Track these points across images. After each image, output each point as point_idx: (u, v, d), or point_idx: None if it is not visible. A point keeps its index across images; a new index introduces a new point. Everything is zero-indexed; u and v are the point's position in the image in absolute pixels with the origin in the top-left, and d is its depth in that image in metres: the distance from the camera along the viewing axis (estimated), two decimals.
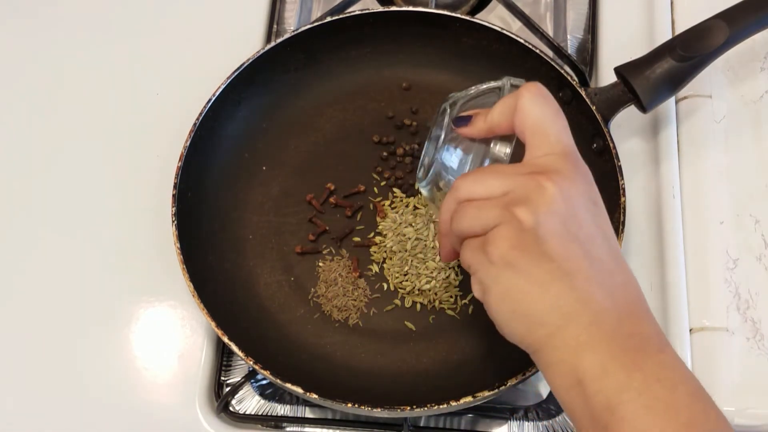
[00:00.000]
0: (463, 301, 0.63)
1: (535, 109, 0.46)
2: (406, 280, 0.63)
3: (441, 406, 0.54)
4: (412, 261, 0.63)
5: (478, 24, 0.67)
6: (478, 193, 0.45)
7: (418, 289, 0.63)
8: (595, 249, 0.44)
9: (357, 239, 0.65)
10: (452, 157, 0.52)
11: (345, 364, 0.61)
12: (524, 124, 0.47)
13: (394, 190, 0.67)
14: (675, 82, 0.62)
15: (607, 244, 0.45)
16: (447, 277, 0.63)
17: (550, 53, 0.69)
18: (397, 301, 0.63)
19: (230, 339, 0.57)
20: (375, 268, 0.64)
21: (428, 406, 0.54)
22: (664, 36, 0.70)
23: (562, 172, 0.44)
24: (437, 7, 0.70)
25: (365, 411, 0.55)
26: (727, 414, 0.57)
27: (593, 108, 0.63)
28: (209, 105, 0.64)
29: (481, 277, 0.45)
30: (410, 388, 0.60)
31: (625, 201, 0.60)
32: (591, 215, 0.45)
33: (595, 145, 0.63)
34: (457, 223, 0.46)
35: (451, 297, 0.63)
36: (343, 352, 0.62)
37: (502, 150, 0.50)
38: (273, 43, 0.67)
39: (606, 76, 0.71)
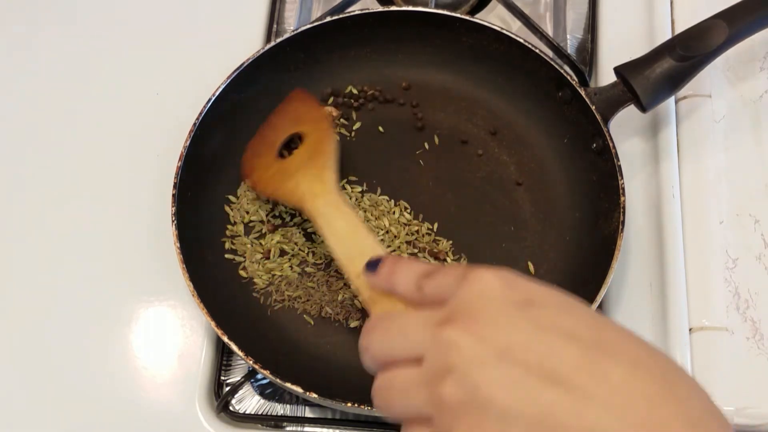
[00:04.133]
0: None
1: None
2: None
3: None
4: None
5: (478, 24, 0.67)
6: (390, 356, 0.39)
7: None
8: (568, 363, 0.33)
9: None
10: None
11: (345, 364, 0.61)
12: None
13: None
14: (675, 81, 0.62)
15: (591, 339, 0.34)
16: None
17: (550, 53, 0.69)
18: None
19: (230, 339, 0.57)
20: None
21: None
22: (664, 36, 0.70)
23: (471, 309, 0.36)
24: (437, 7, 0.70)
25: (365, 411, 0.55)
26: (726, 414, 0.57)
27: (593, 108, 0.63)
28: (209, 105, 0.64)
29: None
30: None
31: (624, 201, 0.60)
32: (531, 328, 0.34)
33: (594, 145, 0.63)
34: (386, 406, 0.39)
35: None
36: (343, 352, 0.62)
37: None
38: (273, 43, 0.67)
39: (606, 76, 0.71)
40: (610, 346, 0.34)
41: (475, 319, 0.35)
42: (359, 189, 0.66)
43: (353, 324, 0.63)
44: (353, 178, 0.67)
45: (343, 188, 0.66)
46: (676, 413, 0.32)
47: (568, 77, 0.64)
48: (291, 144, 0.63)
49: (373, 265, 0.46)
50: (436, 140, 0.69)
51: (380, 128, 0.69)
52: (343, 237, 0.53)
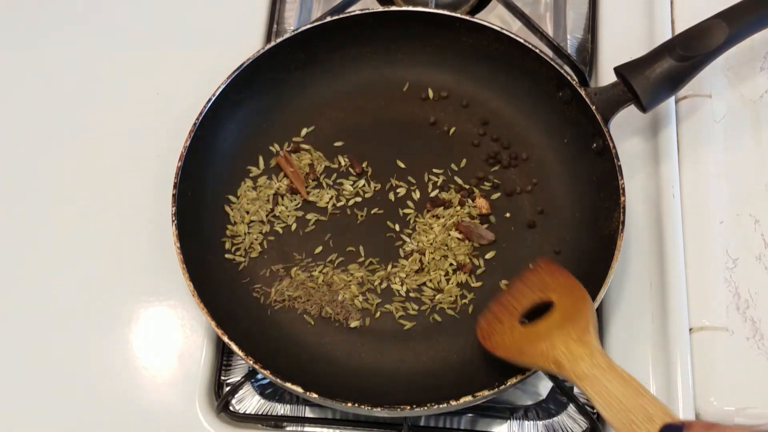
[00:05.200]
0: (463, 301, 0.63)
1: None
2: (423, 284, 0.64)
3: (441, 406, 0.54)
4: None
5: (478, 24, 0.67)
6: None
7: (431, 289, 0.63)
8: None
9: None
10: None
11: (345, 364, 0.61)
12: None
13: None
14: (675, 81, 0.62)
15: None
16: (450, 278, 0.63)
17: (550, 53, 0.69)
18: (398, 301, 0.63)
19: (230, 338, 0.57)
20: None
21: (428, 405, 0.54)
22: (664, 36, 0.70)
23: None
24: (437, 7, 0.70)
25: (365, 410, 0.55)
26: (726, 413, 0.58)
27: (593, 108, 0.63)
28: (209, 105, 0.64)
29: None
30: (410, 388, 0.60)
31: (625, 200, 0.60)
32: None
33: (595, 145, 0.63)
34: None
35: (451, 296, 0.63)
36: (343, 352, 0.62)
37: None
38: (273, 43, 0.67)
39: (606, 76, 0.71)
40: None
41: None
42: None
43: (353, 324, 0.63)
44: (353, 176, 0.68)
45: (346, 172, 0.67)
46: None
47: (568, 77, 0.64)
48: (533, 316, 0.58)
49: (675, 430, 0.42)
50: (437, 140, 0.69)
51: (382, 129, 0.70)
52: (619, 400, 0.48)
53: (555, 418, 0.62)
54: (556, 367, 0.52)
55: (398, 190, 0.67)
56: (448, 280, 0.64)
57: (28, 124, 0.73)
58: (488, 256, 0.64)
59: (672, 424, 0.42)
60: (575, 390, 0.62)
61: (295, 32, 0.67)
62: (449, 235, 0.65)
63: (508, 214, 0.66)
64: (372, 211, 0.66)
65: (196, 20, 0.77)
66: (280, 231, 0.66)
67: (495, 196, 0.66)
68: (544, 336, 0.54)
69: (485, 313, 0.60)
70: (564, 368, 0.51)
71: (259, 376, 0.65)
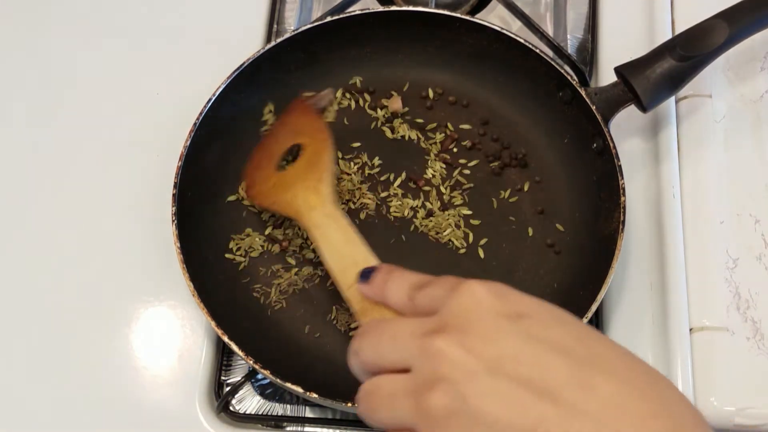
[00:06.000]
0: None
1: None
2: None
3: None
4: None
5: (478, 24, 0.67)
6: (378, 362, 0.39)
7: None
8: (558, 376, 0.33)
9: None
10: None
11: (345, 364, 0.61)
12: None
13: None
14: (675, 81, 0.62)
15: (582, 353, 0.34)
16: None
17: (550, 53, 0.69)
18: None
19: (230, 338, 0.57)
20: None
21: None
22: (664, 36, 0.70)
23: (461, 320, 0.36)
24: (437, 6, 0.70)
25: None
26: (727, 414, 0.58)
27: (593, 108, 0.63)
28: (209, 105, 0.64)
29: None
30: None
31: (625, 201, 0.60)
32: (522, 340, 0.35)
33: (595, 145, 0.63)
34: (370, 412, 0.38)
35: None
36: (343, 352, 0.61)
37: None
38: (273, 43, 0.67)
39: (606, 76, 0.71)
40: (600, 360, 0.34)
41: (464, 330, 0.35)
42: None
43: (353, 324, 0.62)
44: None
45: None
46: (666, 428, 0.32)
47: (569, 77, 0.64)
48: (293, 156, 0.63)
49: (366, 275, 0.46)
50: (435, 140, 0.69)
51: (381, 127, 0.69)
52: (336, 248, 0.53)
53: None
54: (297, 216, 0.57)
55: (398, 193, 0.67)
56: None
57: (27, 124, 0.73)
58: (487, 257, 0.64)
59: (366, 268, 0.46)
60: None
61: (295, 32, 0.67)
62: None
63: (507, 214, 0.66)
64: (369, 217, 0.66)
65: (196, 20, 0.77)
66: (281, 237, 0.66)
67: (494, 196, 0.66)
68: (290, 184, 0.59)
69: (248, 161, 0.64)
70: (302, 217, 0.57)
71: (259, 376, 0.65)
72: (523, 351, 0.34)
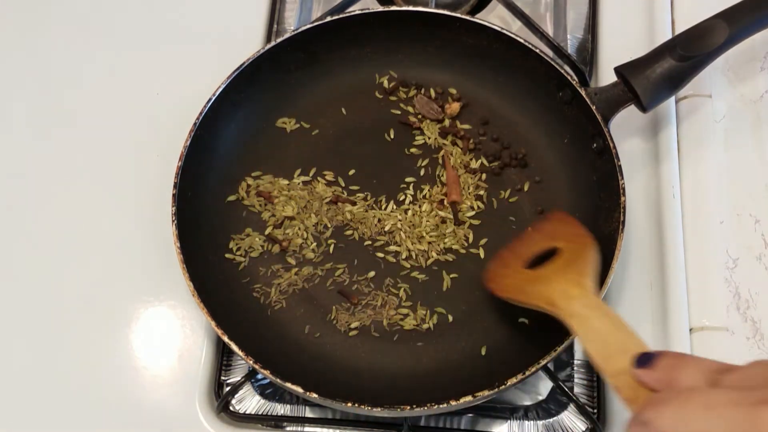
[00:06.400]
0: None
1: None
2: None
3: (441, 406, 0.54)
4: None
5: (478, 24, 0.67)
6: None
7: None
8: None
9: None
10: None
11: (345, 364, 0.61)
12: None
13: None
14: (675, 81, 0.62)
15: None
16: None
17: (550, 53, 0.69)
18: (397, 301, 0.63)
19: (230, 338, 0.57)
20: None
21: (428, 405, 0.54)
22: (664, 36, 0.70)
23: None
24: (437, 7, 0.70)
25: (365, 410, 0.55)
26: None
27: (593, 108, 0.63)
28: (209, 105, 0.64)
29: None
30: (410, 388, 0.60)
31: (625, 200, 0.60)
32: None
33: (595, 145, 0.63)
34: None
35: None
36: (343, 351, 0.62)
37: None
38: (273, 43, 0.67)
39: (606, 76, 0.71)
40: None
41: None
42: (362, 196, 0.67)
43: (354, 324, 0.63)
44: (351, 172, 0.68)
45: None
46: None
47: (569, 77, 0.64)
48: (540, 262, 0.60)
49: (645, 360, 0.42)
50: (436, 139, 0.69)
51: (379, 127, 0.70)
52: (601, 335, 0.49)
53: (555, 418, 0.62)
54: (551, 307, 0.54)
55: (398, 196, 0.67)
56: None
57: (27, 124, 0.73)
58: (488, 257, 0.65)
59: (644, 353, 0.43)
60: (575, 390, 0.62)
61: (295, 32, 0.67)
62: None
63: (507, 214, 0.66)
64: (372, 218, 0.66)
65: (196, 20, 0.77)
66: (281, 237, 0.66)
67: (494, 196, 0.67)
68: (545, 278, 0.56)
69: (494, 258, 0.62)
70: (557, 307, 0.53)
71: (259, 376, 0.65)
72: None
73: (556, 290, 0.54)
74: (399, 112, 0.70)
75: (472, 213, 0.66)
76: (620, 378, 0.44)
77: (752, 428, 0.33)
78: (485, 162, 0.67)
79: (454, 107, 0.68)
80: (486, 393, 0.54)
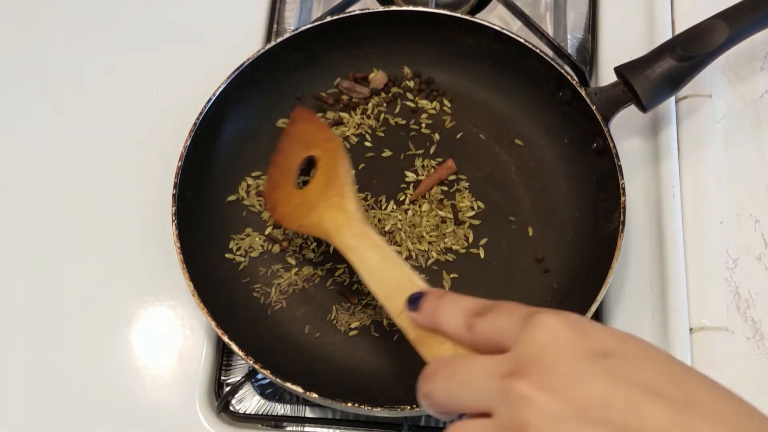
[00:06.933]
0: None
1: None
2: None
3: None
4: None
5: (478, 24, 0.67)
6: (453, 406, 0.37)
7: None
8: (657, 423, 0.31)
9: None
10: None
11: (345, 364, 0.61)
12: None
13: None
14: (675, 81, 0.62)
15: (678, 396, 0.32)
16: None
17: (550, 53, 0.69)
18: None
19: (230, 338, 0.57)
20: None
21: None
22: (664, 36, 0.70)
23: (541, 360, 0.34)
24: (437, 6, 0.70)
25: (365, 410, 0.55)
26: None
27: (593, 108, 0.63)
28: (209, 105, 0.64)
29: None
30: (410, 388, 0.59)
31: (625, 200, 0.60)
32: (612, 382, 0.32)
33: (595, 145, 0.63)
34: None
35: None
36: (343, 351, 0.62)
37: None
38: (273, 43, 0.67)
39: (606, 76, 0.71)
40: (698, 402, 0.32)
41: (547, 371, 0.33)
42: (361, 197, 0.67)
43: (354, 324, 0.63)
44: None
45: None
46: None
47: (569, 77, 0.64)
48: (308, 170, 0.61)
49: (414, 302, 0.43)
50: (436, 140, 0.69)
51: (378, 127, 0.69)
52: (376, 271, 0.50)
53: None
54: (328, 239, 0.54)
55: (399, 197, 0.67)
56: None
57: (27, 124, 0.73)
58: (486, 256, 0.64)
59: (414, 294, 0.44)
60: None
61: (295, 32, 0.67)
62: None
63: (508, 214, 0.66)
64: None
65: (196, 20, 0.77)
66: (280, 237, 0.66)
67: (494, 196, 0.67)
68: (313, 204, 0.56)
69: (266, 180, 0.61)
70: (333, 240, 0.54)
71: (259, 376, 0.65)
72: (614, 395, 0.32)
73: (325, 219, 0.54)
74: (399, 112, 0.70)
75: (472, 213, 0.66)
76: (404, 318, 0.45)
77: (505, 400, 0.34)
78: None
79: (378, 78, 0.67)
80: None
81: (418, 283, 0.47)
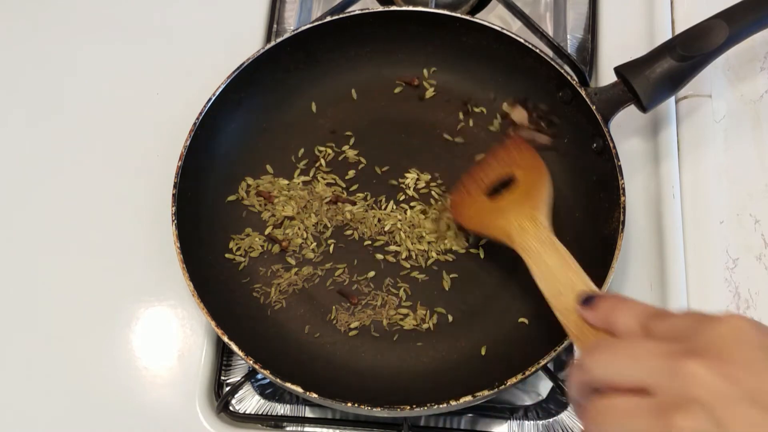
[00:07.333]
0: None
1: None
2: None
3: (441, 406, 0.54)
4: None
5: (478, 24, 0.67)
6: (613, 380, 0.37)
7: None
8: None
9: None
10: None
11: (345, 364, 0.61)
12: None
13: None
14: (675, 81, 0.62)
15: None
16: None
17: (550, 53, 0.69)
18: (396, 301, 0.63)
19: (230, 338, 0.57)
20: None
21: (428, 405, 0.54)
22: (664, 36, 0.70)
23: (719, 346, 0.35)
24: (437, 6, 0.70)
25: (365, 410, 0.55)
26: None
27: (593, 108, 0.63)
28: (209, 105, 0.64)
29: None
30: (410, 388, 0.60)
31: (625, 200, 0.60)
32: None
33: (595, 145, 0.63)
34: (599, 429, 0.37)
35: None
36: (343, 351, 0.62)
37: None
38: (273, 43, 0.67)
39: (606, 76, 0.71)
40: None
41: (724, 358, 0.34)
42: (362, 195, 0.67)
43: (353, 324, 0.63)
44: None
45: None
46: None
47: (569, 77, 0.64)
48: (501, 189, 0.63)
49: (589, 300, 0.45)
50: (437, 140, 0.69)
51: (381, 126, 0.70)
52: (551, 271, 0.52)
53: (555, 418, 0.63)
54: (508, 240, 0.57)
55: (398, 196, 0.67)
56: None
57: (27, 124, 0.73)
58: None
59: (586, 292, 0.46)
60: None
61: (295, 32, 0.67)
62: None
63: None
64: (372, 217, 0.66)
65: (196, 20, 0.77)
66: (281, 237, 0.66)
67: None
68: (503, 210, 0.60)
69: (456, 185, 0.65)
70: (513, 240, 0.57)
71: (259, 376, 0.65)
72: None
73: (512, 223, 0.57)
74: (399, 113, 0.70)
75: None
76: (568, 315, 0.48)
77: (672, 377, 0.35)
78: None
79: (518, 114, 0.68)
80: (486, 393, 0.54)
81: (591, 286, 0.50)
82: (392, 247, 0.65)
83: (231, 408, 0.63)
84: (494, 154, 0.65)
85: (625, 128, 0.68)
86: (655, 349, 0.36)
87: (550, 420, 0.62)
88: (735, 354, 0.34)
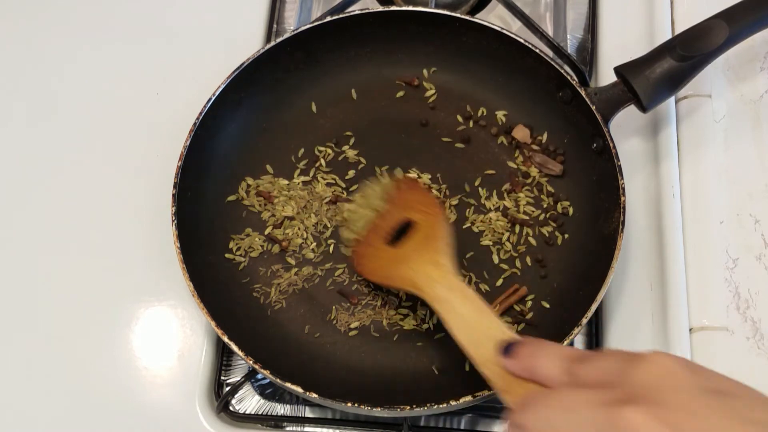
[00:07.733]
0: None
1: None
2: None
3: (441, 406, 0.54)
4: None
5: (478, 24, 0.67)
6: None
7: None
8: None
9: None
10: None
11: (345, 364, 0.61)
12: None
13: None
14: (675, 81, 0.62)
15: None
16: None
17: (550, 53, 0.69)
18: (396, 300, 0.63)
19: (230, 339, 0.57)
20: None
21: (428, 405, 0.54)
22: (664, 36, 0.70)
23: (655, 391, 0.33)
24: (437, 6, 0.70)
25: (365, 410, 0.55)
26: None
27: (593, 108, 0.63)
28: (209, 105, 0.64)
29: None
30: (410, 388, 0.60)
31: (625, 200, 0.60)
32: (728, 418, 0.33)
33: (594, 145, 0.63)
34: None
35: None
36: (343, 351, 0.62)
37: None
38: (273, 43, 0.67)
39: (606, 76, 0.71)
40: None
41: (660, 403, 0.33)
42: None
43: (353, 324, 0.63)
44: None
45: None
46: None
47: (569, 77, 0.64)
48: (402, 235, 0.61)
49: (507, 349, 0.43)
50: (437, 140, 0.69)
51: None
52: (466, 321, 0.50)
53: None
54: (417, 291, 0.55)
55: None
56: None
57: (27, 124, 0.73)
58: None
59: (505, 341, 0.44)
60: None
61: (295, 32, 0.67)
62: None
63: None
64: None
65: (196, 20, 0.77)
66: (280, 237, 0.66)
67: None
68: (405, 259, 0.57)
69: (359, 240, 0.63)
70: (423, 291, 0.54)
71: (259, 376, 0.65)
72: (733, 430, 0.32)
73: (418, 272, 0.55)
74: (399, 113, 0.70)
75: None
76: (490, 367, 0.46)
77: (612, 428, 0.33)
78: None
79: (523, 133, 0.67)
80: (486, 393, 0.54)
81: (508, 333, 0.47)
82: None
83: (231, 408, 0.64)
84: (391, 199, 0.63)
85: (625, 128, 0.68)
86: (588, 398, 0.35)
87: None
88: (671, 398, 0.33)
